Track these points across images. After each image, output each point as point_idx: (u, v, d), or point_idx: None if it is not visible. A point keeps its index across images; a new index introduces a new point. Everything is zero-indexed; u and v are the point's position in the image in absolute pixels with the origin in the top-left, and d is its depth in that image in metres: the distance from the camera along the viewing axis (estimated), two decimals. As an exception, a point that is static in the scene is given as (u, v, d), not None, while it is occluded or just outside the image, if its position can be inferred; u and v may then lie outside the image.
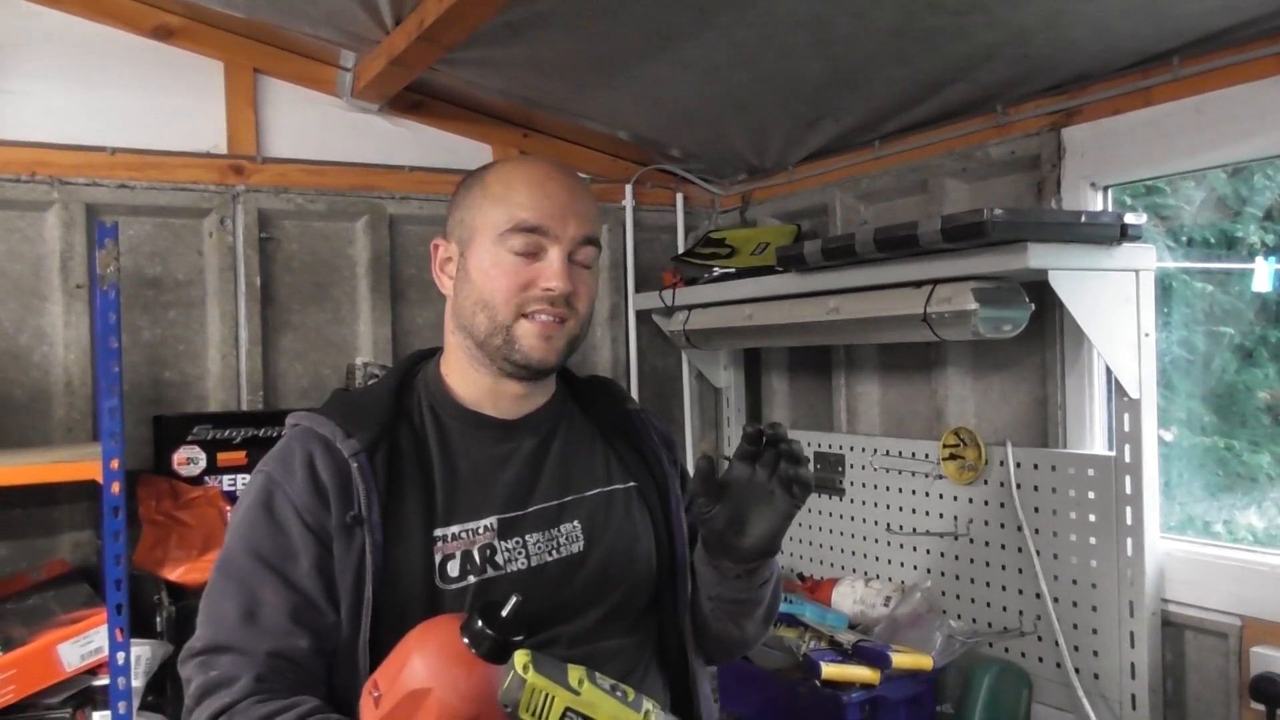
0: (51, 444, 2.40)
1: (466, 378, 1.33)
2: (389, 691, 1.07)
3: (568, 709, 1.00)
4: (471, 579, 1.23)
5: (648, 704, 1.05)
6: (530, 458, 1.33)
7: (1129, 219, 1.84)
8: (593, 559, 1.31)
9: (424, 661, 1.05)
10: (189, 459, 2.44)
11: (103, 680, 2.03)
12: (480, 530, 1.25)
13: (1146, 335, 1.91)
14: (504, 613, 1.07)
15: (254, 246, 2.64)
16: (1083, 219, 1.86)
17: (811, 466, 2.71)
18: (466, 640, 1.06)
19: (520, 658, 1.00)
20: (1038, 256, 1.79)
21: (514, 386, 1.32)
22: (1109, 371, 1.98)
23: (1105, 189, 2.10)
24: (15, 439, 2.38)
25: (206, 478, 2.44)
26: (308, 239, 2.75)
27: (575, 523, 1.32)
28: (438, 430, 1.30)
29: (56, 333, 2.44)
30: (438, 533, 1.23)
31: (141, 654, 2.07)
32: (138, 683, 2.05)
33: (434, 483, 1.26)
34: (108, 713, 2.01)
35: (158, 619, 2.19)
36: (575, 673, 1.02)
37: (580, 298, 1.29)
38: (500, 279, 1.26)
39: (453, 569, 1.22)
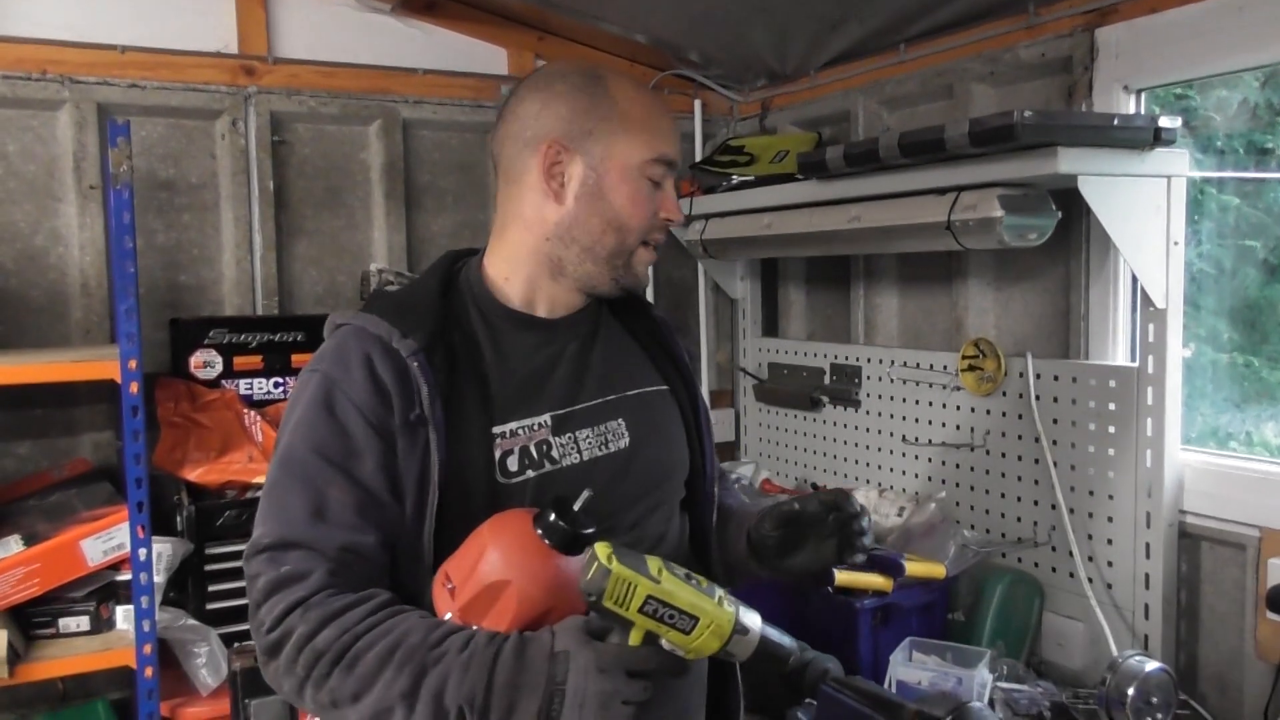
0: (70, 346, 2.41)
1: (533, 283, 1.34)
2: (465, 584, 1.11)
3: (649, 596, 1.03)
4: (530, 473, 1.26)
5: (719, 590, 1.08)
6: (577, 357, 1.36)
7: (1163, 122, 1.78)
8: (638, 455, 1.36)
9: (500, 554, 1.09)
10: (206, 362, 2.45)
11: (125, 575, 2.07)
12: (536, 426, 1.28)
13: (1175, 244, 1.87)
14: (576, 506, 1.12)
15: (266, 150, 2.61)
16: (1115, 122, 1.80)
17: (827, 379, 2.73)
18: (540, 532, 1.10)
19: (602, 549, 1.03)
20: (1067, 161, 1.75)
21: (576, 296, 1.36)
22: (1135, 281, 1.95)
23: (1139, 92, 2.04)
24: (34, 340, 2.40)
25: (224, 381, 2.46)
26: (320, 143, 2.71)
27: (620, 420, 1.36)
28: (488, 331, 1.32)
29: (72, 234, 2.43)
30: (496, 429, 1.26)
31: (163, 551, 2.11)
32: (159, 578, 2.09)
33: (489, 381, 1.28)
34: (130, 606, 2.05)
35: (178, 518, 2.22)
36: (654, 563, 1.05)
37: None
38: (641, 206, 1.30)
39: (512, 464, 1.25)
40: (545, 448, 1.28)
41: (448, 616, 1.12)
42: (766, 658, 1.10)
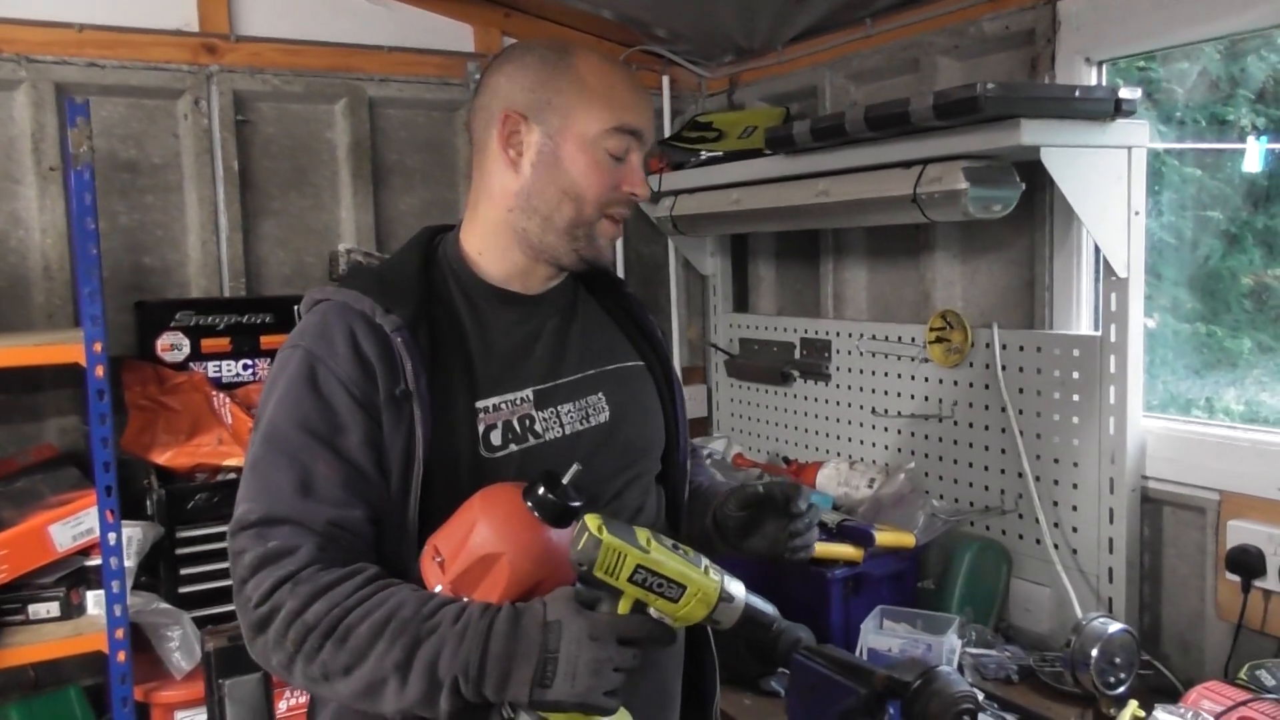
0: (33, 330, 2.38)
1: (506, 257, 1.34)
2: (456, 556, 1.12)
3: (638, 566, 1.05)
4: (513, 448, 1.27)
5: (705, 560, 1.11)
6: (556, 333, 1.38)
7: (1123, 93, 1.80)
8: (618, 428, 1.38)
9: (492, 527, 1.11)
10: (173, 345, 2.43)
11: (95, 560, 2.06)
12: (518, 401, 1.30)
13: (1136, 214, 1.90)
14: (565, 480, 1.13)
15: (230, 129, 2.58)
16: (1077, 93, 1.82)
17: (797, 353, 2.75)
18: (530, 505, 1.12)
19: (592, 520, 1.05)
20: (1030, 133, 1.77)
21: (549, 270, 1.36)
22: (1098, 251, 1.98)
23: (1100, 64, 2.06)
24: (-5, 325, 2.37)
25: (191, 364, 2.44)
26: (285, 122, 2.69)
27: (600, 394, 1.38)
28: (469, 306, 1.32)
29: (32, 217, 2.40)
30: (479, 404, 1.26)
31: (133, 535, 2.09)
32: (130, 563, 2.08)
33: (472, 356, 1.29)
34: (101, 591, 2.04)
35: (148, 501, 2.21)
36: (642, 533, 1.08)
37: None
38: (597, 176, 1.29)
39: (495, 438, 1.26)
40: (528, 422, 1.29)
41: (438, 589, 1.13)
42: (751, 624, 1.13)
